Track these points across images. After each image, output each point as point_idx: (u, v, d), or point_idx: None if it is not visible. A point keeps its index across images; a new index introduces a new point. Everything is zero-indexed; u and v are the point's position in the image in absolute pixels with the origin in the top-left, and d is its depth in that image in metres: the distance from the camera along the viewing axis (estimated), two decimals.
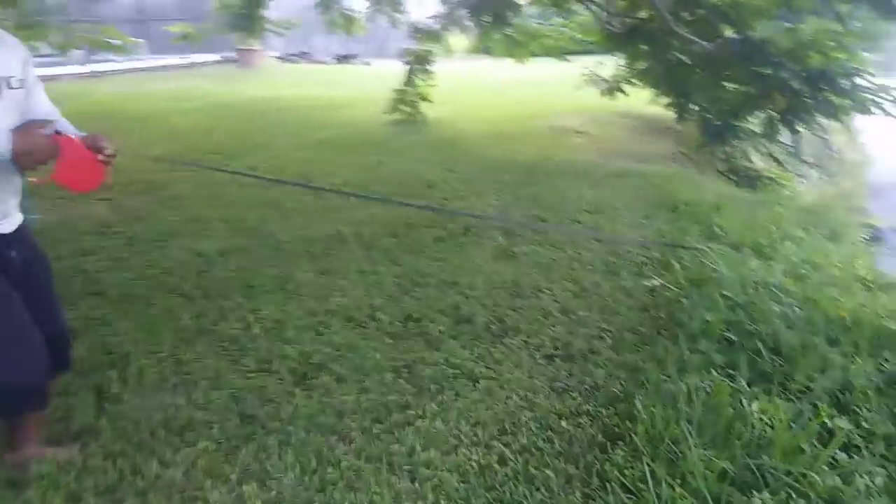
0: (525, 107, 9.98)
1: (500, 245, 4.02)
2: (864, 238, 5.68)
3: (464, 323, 3.01)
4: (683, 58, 7.19)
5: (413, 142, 7.32)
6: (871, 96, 6.81)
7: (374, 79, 12.47)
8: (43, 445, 2.06)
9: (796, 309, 2.89)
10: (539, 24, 9.77)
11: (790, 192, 7.71)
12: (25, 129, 1.70)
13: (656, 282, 3.51)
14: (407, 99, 8.62)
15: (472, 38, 9.05)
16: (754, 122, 7.48)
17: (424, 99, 8.62)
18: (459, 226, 4.33)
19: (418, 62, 8.63)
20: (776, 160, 7.60)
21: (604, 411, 2.33)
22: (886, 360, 2.54)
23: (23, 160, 1.68)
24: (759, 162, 7.69)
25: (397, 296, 3.27)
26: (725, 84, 7.22)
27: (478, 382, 2.51)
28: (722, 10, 6.95)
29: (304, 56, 19.62)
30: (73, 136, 1.80)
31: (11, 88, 1.74)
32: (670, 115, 8.07)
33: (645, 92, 8.52)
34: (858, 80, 6.72)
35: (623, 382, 2.52)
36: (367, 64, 18.79)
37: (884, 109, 6.63)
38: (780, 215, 4.77)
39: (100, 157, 1.81)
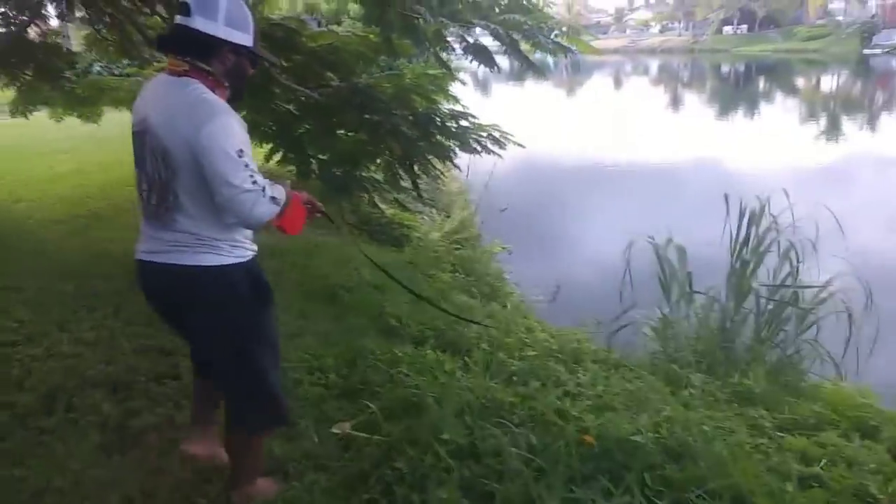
0: (110, 171, 8.14)
1: None
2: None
3: None
4: (291, 108, 6.43)
5: None
6: (474, 136, 7.01)
7: None
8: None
9: None
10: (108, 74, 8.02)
11: (420, 235, 7.63)
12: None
13: None
14: None
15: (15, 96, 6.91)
16: (376, 171, 7.14)
17: None
18: None
19: None
20: (401, 205, 7.36)
21: None
22: None
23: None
24: (387, 208, 7.39)
25: None
26: (340, 133, 6.69)
27: None
28: (321, 56, 6.41)
29: None
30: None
31: None
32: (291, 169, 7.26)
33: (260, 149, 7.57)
34: (463, 122, 6.85)
35: None
36: None
37: (486, 147, 6.89)
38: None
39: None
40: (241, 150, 1.83)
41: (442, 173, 7.69)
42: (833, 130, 20.36)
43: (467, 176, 8.93)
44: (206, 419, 2.35)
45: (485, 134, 7.25)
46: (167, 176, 1.88)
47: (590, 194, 11.81)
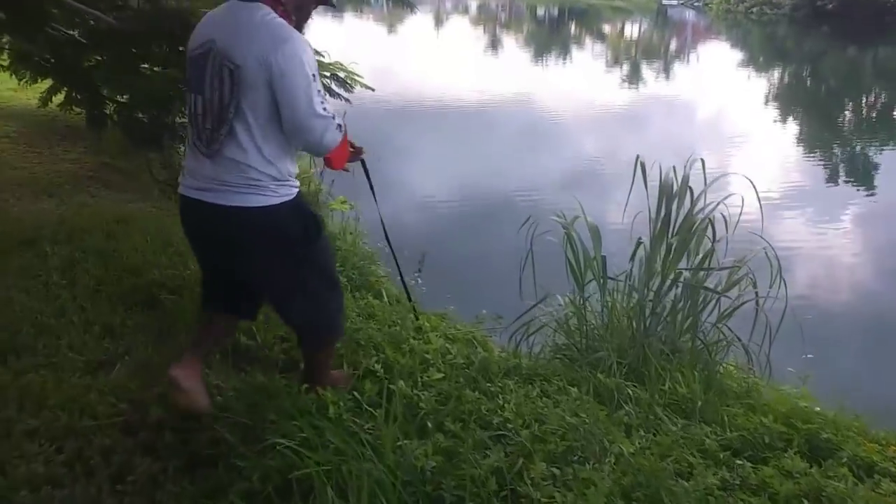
0: None
1: None
2: None
3: None
4: (75, 34, 4.92)
5: None
6: None
7: None
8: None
9: None
10: None
11: None
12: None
13: None
14: None
15: None
16: None
17: None
18: None
19: None
20: None
21: None
22: None
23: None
24: None
25: None
26: (145, 69, 5.29)
27: None
28: None
29: None
30: None
31: None
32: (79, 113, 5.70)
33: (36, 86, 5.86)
34: None
35: None
36: None
37: (330, 90, 5.94)
38: None
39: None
40: (315, 75, 1.87)
41: None
42: (634, 75, 21.79)
43: None
44: (199, 351, 2.30)
45: (327, 74, 6.25)
46: (230, 96, 1.86)
47: (426, 138, 11.32)
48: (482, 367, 2.75)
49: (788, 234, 7.79)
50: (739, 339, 3.18)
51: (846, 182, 10.87)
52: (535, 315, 3.26)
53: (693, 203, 3.10)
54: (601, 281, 3.19)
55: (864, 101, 19.48)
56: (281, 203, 1.98)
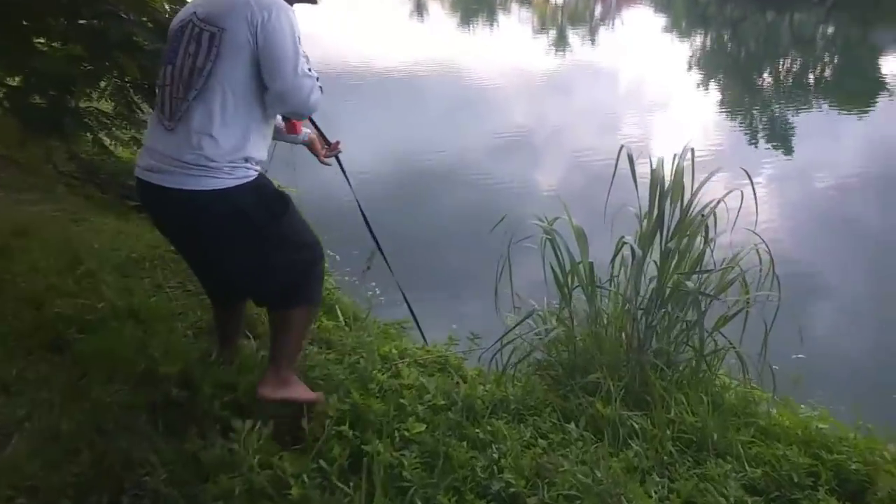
0: None
1: None
2: None
3: None
4: None
5: None
6: None
7: None
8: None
9: None
10: None
11: None
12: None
13: None
14: None
15: None
16: (101, 99, 5.12)
17: None
18: None
19: None
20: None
21: None
22: None
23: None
24: (123, 151, 5.41)
25: None
26: (41, 45, 4.56)
27: None
28: None
29: None
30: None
31: None
32: None
33: None
34: None
35: None
36: None
37: None
38: None
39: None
40: (299, 38, 1.87)
41: None
42: (560, 42, 21.73)
43: None
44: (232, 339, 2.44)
45: None
46: (205, 60, 1.84)
47: (352, 108, 10.92)
48: (466, 406, 2.35)
49: (708, 196, 8.00)
50: (736, 349, 2.87)
51: (766, 144, 11.22)
52: (511, 329, 2.85)
53: (691, 200, 2.75)
54: (589, 290, 2.83)
55: (781, 65, 20.00)
56: (238, 185, 1.91)
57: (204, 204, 1.90)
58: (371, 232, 2.79)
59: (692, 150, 2.92)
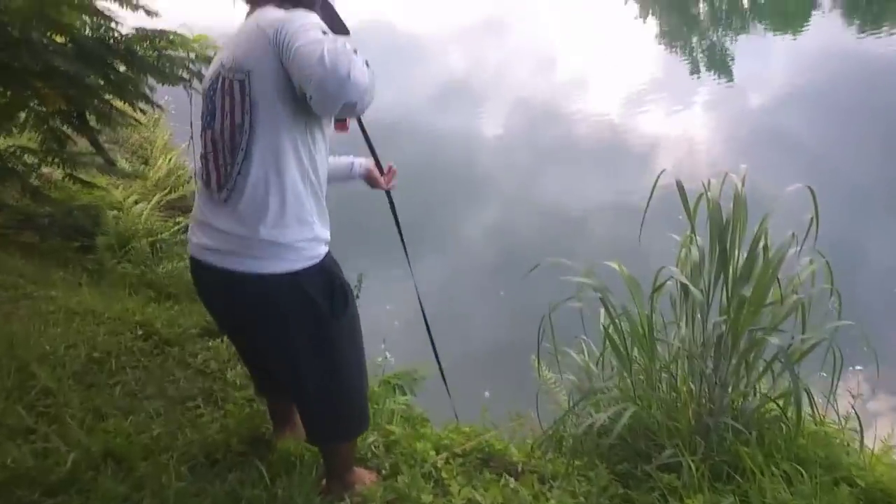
0: None
1: None
2: None
3: None
4: None
5: None
6: (179, 61, 4.74)
7: None
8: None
9: None
10: None
11: (118, 209, 5.13)
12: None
13: None
14: None
15: None
16: (20, 134, 4.44)
17: None
18: None
19: None
20: (74, 177, 4.65)
21: None
22: None
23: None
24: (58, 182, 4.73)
25: None
26: None
27: None
28: None
29: None
30: None
31: None
32: None
33: None
34: (160, 42, 4.48)
35: None
36: None
37: (202, 75, 4.74)
38: None
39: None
40: (326, 31, 1.54)
41: (137, 120, 5.17)
42: None
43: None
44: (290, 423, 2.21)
45: (193, 55, 5.00)
46: (241, 113, 1.60)
47: None
48: None
49: (650, 125, 8.85)
50: (808, 392, 2.50)
51: (706, 71, 11.72)
52: (570, 410, 2.43)
53: (758, 235, 2.34)
54: (648, 347, 2.42)
55: None
56: (308, 267, 1.69)
57: (265, 290, 1.66)
58: (430, 335, 2.49)
59: (744, 168, 2.49)
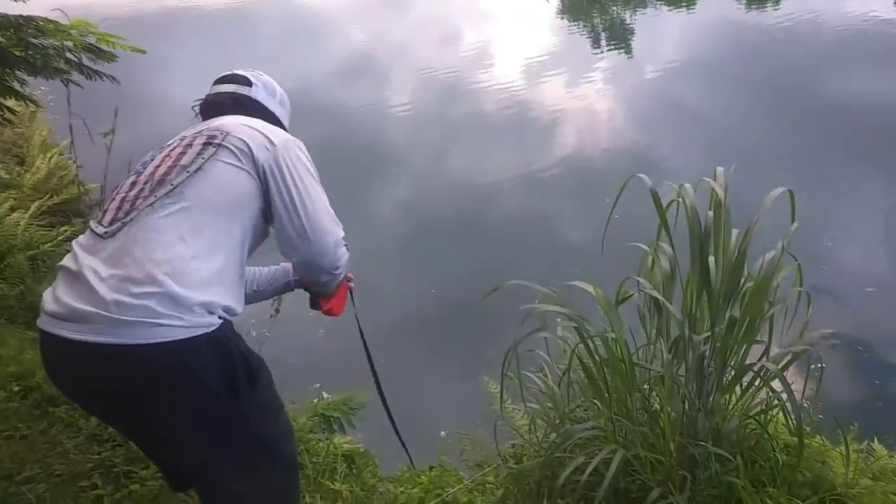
0: None
1: None
2: None
3: None
4: None
5: None
6: (58, 52, 4.15)
7: None
8: None
9: None
10: None
11: None
12: None
13: None
14: None
15: None
16: None
17: None
18: None
19: None
20: None
21: None
22: None
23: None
24: None
25: None
26: None
27: None
28: None
29: None
30: None
31: None
32: None
33: None
34: (33, 32, 3.89)
35: None
36: None
37: (83, 67, 4.21)
38: None
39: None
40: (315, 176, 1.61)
41: (6, 119, 4.43)
42: None
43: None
44: None
45: (72, 45, 4.42)
46: (195, 158, 1.47)
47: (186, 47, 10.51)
48: None
49: (553, 97, 9.01)
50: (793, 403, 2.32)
51: (607, 46, 12.00)
52: (551, 453, 2.12)
53: (742, 248, 2.11)
54: (627, 381, 2.15)
55: None
56: (193, 337, 1.38)
57: (142, 363, 1.36)
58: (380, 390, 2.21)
59: (721, 170, 2.25)
